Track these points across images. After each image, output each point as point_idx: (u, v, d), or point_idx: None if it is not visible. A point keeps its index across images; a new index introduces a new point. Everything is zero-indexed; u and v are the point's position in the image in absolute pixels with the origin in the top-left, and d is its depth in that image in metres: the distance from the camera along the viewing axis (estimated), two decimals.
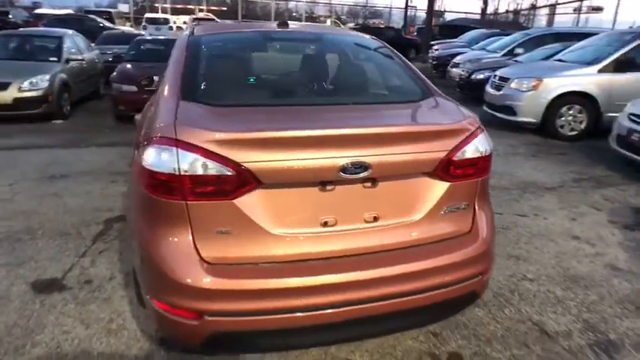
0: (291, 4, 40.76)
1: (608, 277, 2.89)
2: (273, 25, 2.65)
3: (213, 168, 1.48)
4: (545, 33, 10.95)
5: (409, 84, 2.15)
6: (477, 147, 1.75)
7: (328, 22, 33.61)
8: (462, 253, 1.72)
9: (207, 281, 1.50)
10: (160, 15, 24.27)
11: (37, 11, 19.91)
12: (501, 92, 6.98)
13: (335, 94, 2.21)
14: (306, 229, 1.61)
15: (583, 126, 6.44)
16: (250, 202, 1.53)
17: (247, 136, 1.50)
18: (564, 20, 35.11)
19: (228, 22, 17.15)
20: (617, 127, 5.16)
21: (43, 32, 8.85)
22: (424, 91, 2.09)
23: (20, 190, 4.08)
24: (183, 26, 24.32)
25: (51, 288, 2.61)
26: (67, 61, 7.38)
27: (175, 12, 30.36)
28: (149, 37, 9.31)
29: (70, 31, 8.32)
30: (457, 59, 11.17)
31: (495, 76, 7.42)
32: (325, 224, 1.62)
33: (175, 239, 1.55)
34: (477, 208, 1.85)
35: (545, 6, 34.88)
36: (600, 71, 6.21)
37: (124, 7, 25.93)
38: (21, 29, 9.98)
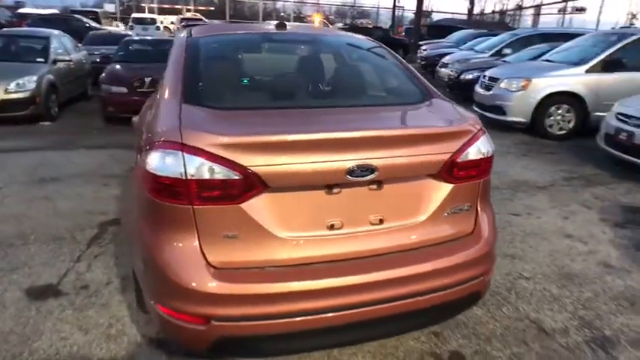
0: (279, 4, 40.67)
1: (602, 275, 2.95)
2: (270, 27, 2.65)
3: (220, 172, 1.47)
4: (532, 33, 11.11)
5: (409, 86, 2.16)
6: (480, 148, 1.77)
7: (316, 22, 33.60)
8: (465, 254, 1.74)
9: (214, 286, 1.49)
10: (146, 15, 24.00)
11: (21, 11, 19.51)
12: (491, 92, 7.06)
13: (337, 97, 2.22)
14: (312, 232, 1.61)
15: (571, 125, 6.56)
16: (257, 206, 1.52)
17: (255, 139, 1.49)
18: (548, 21, 35.68)
19: (219, 22, 17.06)
20: (605, 126, 5.26)
21: (29, 32, 8.69)
22: (424, 92, 2.11)
23: (10, 193, 4.01)
24: (171, 26, 24.09)
25: (46, 294, 2.57)
26: (55, 62, 7.27)
27: (162, 12, 30.06)
28: (138, 38, 9.22)
29: (57, 32, 8.18)
30: (446, 59, 11.26)
31: (485, 76, 7.51)
32: (332, 227, 1.63)
33: (181, 244, 1.53)
34: (479, 209, 1.87)
35: (531, 6, 35.40)
36: (588, 71, 6.33)
37: (110, 7, 25.56)
38: (5, 29, 9.78)
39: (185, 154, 1.46)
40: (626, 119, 4.93)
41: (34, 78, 6.57)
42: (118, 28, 19.15)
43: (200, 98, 1.79)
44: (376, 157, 1.56)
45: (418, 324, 1.92)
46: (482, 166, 1.80)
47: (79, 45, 9.28)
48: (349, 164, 1.53)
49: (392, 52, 2.44)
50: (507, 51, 10.22)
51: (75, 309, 2.43)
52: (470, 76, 9.19)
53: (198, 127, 1.54)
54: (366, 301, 1.59)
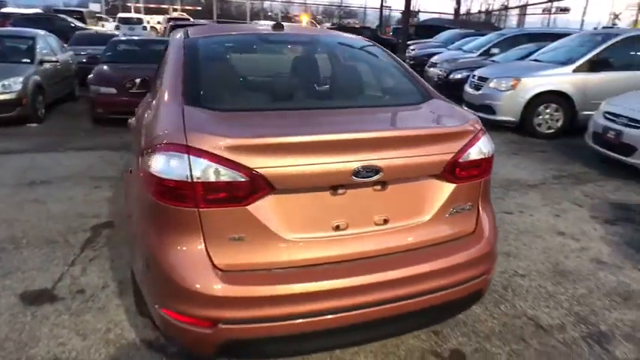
0: (266, 4, 40.55)
1: (595, 271, 3.00)
2: (266, 27, 2.64)
3: (226, 174, 1.46)
4: (519, 33, 11.26)
5: (409, 86, 2.18)
6: (481, 149, 1.79)
7: (304, 22, 33.55)
8: (468, 253, 1.75)
9: (221, 289, 1.48)
10: (133, 15, 23.69)
11: (3, 10, 19.11)
12: (480, 92, 7.14)
13: (339, 97, 2.22)
14: (318, 233, 1.61)
15: (559, 124, 6.66)
16: (263, 208, 1.52)
17: (261, 141, 1.49)
18: (533, 21, 36.25)
19: (209, 23, 16.91)
20: (593, 125, 5.36)
21: (13, 32, 8.51)
22: (423, 93, 2.13)
23: None
24: (158, 26, 23.80)
25: (41, 299, 2.52)
26: (41, 62, 7.14)
27: (148, 12, 29.70)
28: (126, 38, 9.11)
29: (42, 32, 8.03)
30: (434, 59, 11.35)
31: (474, 75, 7.59)
32: (337, 228, 1.63)
33: (187, 247, 1.52)
34: (480, 208, 1.89)
35: (517, 7, 35.89)
36: (575, 71, 6.44)
37: (95, 7, 25.16)
38: None
39: (191, 157, 1.45)
40: (614, 118, 5.04)
41: (20, 79, 6.44)
42: (104, 27, 18.87)
43: (202, 100, 1.78)
44: (381, 158, 1.57)
45: (423, 323, 1.94)
46: (483, 166, 1.82)
47: (65, 45, 9.14)
48: (355, 165, 1.54)
49: (390, 52, 2.45)
50: (495, 51, 10.35)
51: (71, 314, 2.40)
52: (459, 76, 9.28)
53: (203, 129, 1.53)
54: (372, 302, 1.59)
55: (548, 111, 6.61)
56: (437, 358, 2.15)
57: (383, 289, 1.60)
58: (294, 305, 1.53)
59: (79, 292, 2.59)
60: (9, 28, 11.16)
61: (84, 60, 9.30)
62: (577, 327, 2.42)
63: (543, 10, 33.39)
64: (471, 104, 7.28)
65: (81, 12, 18.00)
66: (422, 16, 36.08)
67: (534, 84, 6.51)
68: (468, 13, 36.01)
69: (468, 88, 7.61)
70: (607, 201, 4.27)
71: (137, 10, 29.41)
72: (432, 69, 10.85)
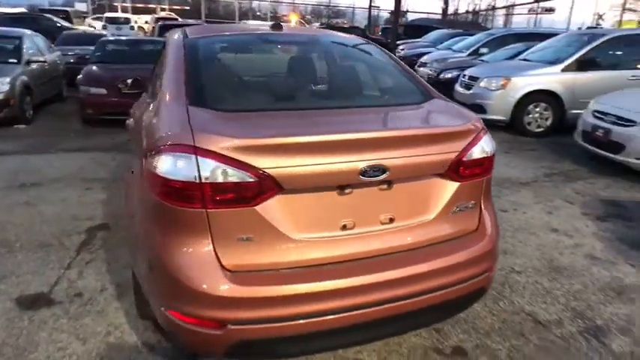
0: (254, 4, 40.39)
1: (589, 267, 3.06)
2: (260, 27, 2.64)
3: (235, 175, 1.45)
4: (507, 33, 11.40)
5: (410, 86, 2.19)
6: (483, 147, 1.82)
7: (293, 21, 33.48)
8: (472, 250, 1.78)
9: (230, 289, 1.47)
10: (120, 14, 23.39)
11: None
12: (471, 91, 7.21)
13: (342, 97, 2.22)
14: (325, 233, 1.61)
15: (549, 123, 6.76)
16: (271, 208, 1.52)
17: (269, 141, 1.48)
18: (519, 21, 36.77)
19: (198, 23, 16.76)
20: (582, 123, 5.45)
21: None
22: (424, 92, 2.14)
23: None
24: (145, 26, 23.53)
25: (38, 303, 2.48)
26: (28, 62, 7.02)
27: (135, 11, 29.35)
28: (115, 38, 9.00)
29: (29, 31, 7.90)
30: (424, 59, 11.43)
31: (465, 75, 7.67)
32: (344, 227, 1.64)
33: (195, 248, 1.51)
34: (482, 206, 1.92)
35: (504, 7, 36.34)
36: (564, 70, 6.55)
37: (81, 6, 24.78)
38: None
39: (199, 158, 1.44)
40: (602, 116, 5.13)
41: (7, 79, 6.32)
42: (92, 27, 18.60)
43: (206, 100, 1.77)
44: (387, 158, 1.58)
45: (431, 320, 1.96)
46: (486, 164, 1.85)
47: (52, 45, 8.99)
48: (362, 165, 1.55)
49: (389, 52, 2.46)
50: (484, 50, 10.47)
51: (70, 318, 2.36)
52: (449, 75, 9.37)
53: (210, 129, 1.52)
54: (380, 300, 1.60)
55: (537, 110, 6.71)
56: (439, 355, 2.17)
57: (390, 288, 1.61)
58: (302, 305, 1.53)
59: (76, 296, 2.56)
60: None
61: (72, 60, 9.18)
62: (574, 322, 2.46)
63: (529, 11, 33.88)
64: (462, 104, 7.32)
65: (67, 11, 17.72)
66: (410, 16, 36.30)
67: (524, 83, 6.60)
68: (456, 13, 36.35)
69: (458, 88, 7.68)
70: (597, 198, 4.35)
71: (124, 10, 29.04)
72: (422, 69, 10.93)
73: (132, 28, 19.56)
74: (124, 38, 9.04)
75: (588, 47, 6.56)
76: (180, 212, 1.49)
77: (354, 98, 2.18)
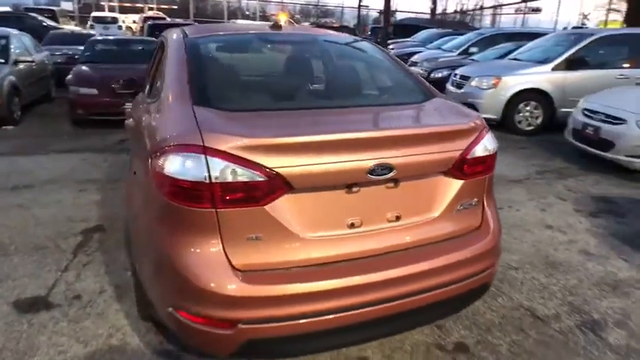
0: (243, 3, 40.21)
1: (583, 262, 3.11)
2: (265, 27, 2.64)
3: (245, 174, 1.45)
4: (496, 33, 11.53)
5: (412, 85, 2.21)
6: (486, 145, 1.85)
7: (282, 20, 33.36)
8: (476, 247, 1.80)
9: (240, 289, 1.47)
10: (107, 14, 23.07)
11: None
12: (462, 90, 7.28)
13: (346, 96, 2.23)
14: (334, 231, 1.62)
15: (539, 121, 6.86)
16: (280, 208, 1.52)
17: (279, 141, 1.49)
18: (505, 20, 37.21)
19: (190, 23, 16.62)
20: (572, 121, 5.54)
21: None
22: (425, 92, 2.17)
23: None
24: (133, 26, 23.25)
25: (36, 306, 2.45)
26: (16, 62, 6.90)
27: (123, 10, 29.00)
28: (105, 38, 8.89)
29: (16, 31, 7.76)
30: (414, 58, 11.49)
31: (456, 74, 7.74)
32: (352, 226, 1.65)
33: (204, 248, 1.51)
34: (485, 204, 1.95)
35: (493, 6, 36.74)
36: (554, 69, 6.64)
37: (67, 5, 24.36)
38: None
39: (208, 157, 1.44)
40: (592, 115, 5.22)
41: None
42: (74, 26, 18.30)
43: (210, 100, 1.76)
44: (394, 156, 1.60)
45: (436, 316, 1.98)
46: (488, 162, 1.87)
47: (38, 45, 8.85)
48: (370, 163, 1.56)
49: (389, 52, 2.48)
50: (474, 50, 10.58)
51: (70, 320, 2.34)
52: (440, 75, 9.44)
53: (219, 129, 1.52)
54: (389, 297, 1.62)
55: (528, 108, 6.80)
56: (442, 352, 2.19)
57: (398, 285, 1.62)
58: (311, 303, 1.53)
59: (75, 298, 2.53)
60: None
61: (60, 60, 9.04)
62: (571, 316, 2.51)
63: (516, 10, 34.30)
64: None
65: (53, 10, 17.43)
66: (398, 16, 36.46)
67: (515, 82, 6.68)
68: (444, 12, 36.62)
69: (450, 87, 7.74)
70: (589, 194, 4.43)
71: (111, 9, 28.67)
72: (412, 68, 10.98)
73: (120, 27, 19.29)
74: (114, 38, 8.93)
75: (577, 47, 6.67)
76: (189, 212, 1.49)
77: (358, 97, 2.19)
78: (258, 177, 1.46)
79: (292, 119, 1.77)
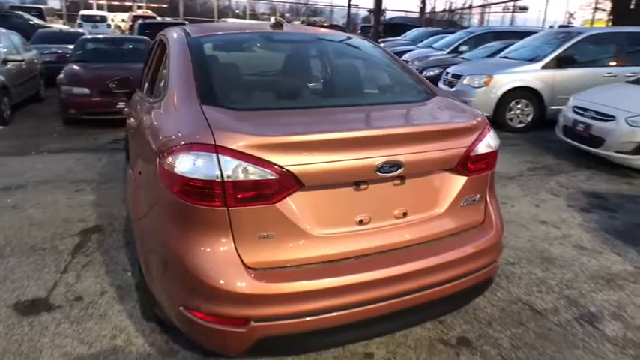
0: (232, 1, 39.98)
1: (578, 257, 3.18)
2: (264, 27, 2.64)
3: (256, 173, 1.47)
4: (486, 32, 11.64)
5: (414, 84, 2.24)
6: (489, 143, 1.88)
7: (272, 19, 33.21)
8: (480, 242, 1.84)
9: (253, 286, 1.49)
10: (96, 12, 22.74)
11: None
12: (454, 88, 7.35)
13: (351, 95, 2.25)
14: (343, 228, 1.64)
15: (530, 118, 6.96)
16: (291, 205, 1.54)
17: (291, 139, 1.50)
18: (493, 19, 37.59)
19: (173, 20, 16.49)
20: (563, 119, 5.63)
21: None
22: (428, 90, 2.20)
23: None
24: (122, 24, 23.00)
25: (37, 308, 2.43)
26: (5, 62, 6.80)
27: (111, 9, 28.64)
28: (96, 37, 8.79)
29: (4, 29, 7.65)
30: (405, 57, 11.54)
31: (447, 73, 7.81)
32: (360, 223, 1.67)
33: (216, 246, 1.52)
34: (487, 200, 1.98)
35: (482, 5, 37.05)
36: (543, 67, 6.74)
37: (54, 3, 23.98)
38: None
39: (220, 156, 1.45)
40: (582, 112, 5.32)
41: None
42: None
43: (218, 99, 1.77)
44: (402, 154, 1.62)
45: (443, 310, 2.02)
46: (490, 159, 1.91)
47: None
48: (378, 161, 1.58)
49: (390, 52, 2.51)
50: (464, 48, 10.68)
51: (72, 322, 2.32)
52: (431, 73, 9.49)
53: (229, 128, 1.53)
54: (398, 292, 1.65)
55: (519, 106, 6.89)
56: (445, 346, 2.23)
57: (407, 280, 1.65)
58: (322, 300, 1.55)
59: (76, 300, 2.51)
60: None
61: (48, 59, 8.92)
62: (569, 309, 2.56)
63: (504, 9, 34.67)
64: None
65: (40, 9, 17.15)
66: (387, 15, 36.56)
67: (506, 80, 6.77)
68: (433, 11, 36.83)
69: (441, 85, 7.80)
70: (580, 190, 4.51)
71: (99, 8, 28.27)
72: None
73: (109, 26, 19.06)
74: (105, 37, 8.84)
75: (566, 45, 6.78)
76: (201, 211, 1.49)
77: (363, 96, 2.22)
78: (270, 175, 1.48)
79: (301, 118, 1.79)
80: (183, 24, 11.36)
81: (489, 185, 1.99)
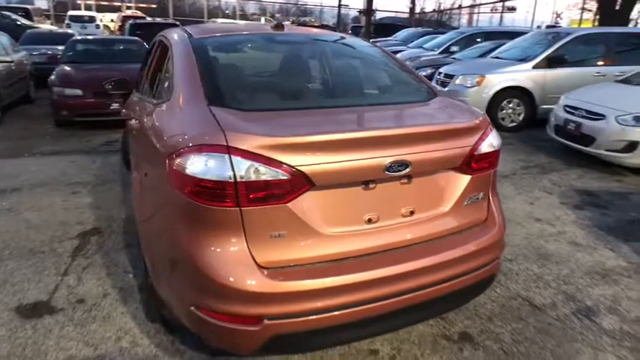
0: (222, 2, 39.80)
1: (573, 253, 3.24)
2: (262, 27, 2.66)
3: (268, 173, 1.48)
4: (476, 32, 11.77)
5: (416, 84, 2.28)
6: (492, 142, 1.92)
7: (262, 20, 33.23)
8: (484, 239, 1.88)
9: (265, 285, 1.50)
10: (84, 12, 22.46)
11: None
12: (447, 88, 7.41)
13: (356, 95, 2.27)
14: (353, 227, 1.67)
15: (521, 118, 7.06)
16: (302, 205, 1.56)
17: (302, 140, 1.52)
18: (481, 19, 37.95)
19: (164, 20, 16.38)
20: (554, 118, 5.73)
21: None
22: (429, 91, 2.24)
23: None
24: (111, 25, 22.76)
25: (39, 311, 2.42)
26: None
27: (100, 9, 28.33)
28: (87, 38, 8.70)
29: None
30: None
31: (440, 73, 7.88)
32: (369, 221, 1.70)
33: (229, 246, 1.53)
34: (490, 198, 2.02)
35: (471, 5, 37.37)
36: (534, 67, 6.85)
37: (41, 4, 23.62)
38: None
39: (232, 157, 1.46)
40: (573, 111, 5.41)
41: None
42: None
43: (225, 100, 1.78)
44: (410, 153, 1.65)
45: (449, 307, 2.06)
46: (493, 158, 1.95)
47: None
48: (387, 160, 1.61)
49: (390, 53, 2.54)
50: (455, 48, 10.79)
51: (76, 324, 2.31)
52: (423, 73, 9.56)
53: (241, 129, 1.54)
54: (408, 289, 1.68)
55: (510, 105, 6.99)
56: (448, 341, 2.27)
57: (415, 277, 1.68)
58: (334, 297, 1.57)
59: (79, 302, 2.50)
60: None
61: (37, 60, 8.82)
62: (567, 304, 2.62)
63: (492, 9, 35.03)
64: None
65: (27, 9, 16.89)
66: (377, 15, 36.67)
67: (498, 80, 6.86)
68: (422, 12, 37.08)
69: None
70: (573, 188, 4.60)
71: (87, 8, 27.93)
72: None
73: (97, 26, 18.85)
74: (97, 37, 8.76)
75: (556, 45, 6.89)
76: (213, 211, 1.51)
77: (368, 96, 2.25)
78: (282, 175, 1.50)
79: (309, 118, 1.81)
80: (175, 24, 11.30)
81: (492, 184, 2.03)
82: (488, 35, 10.89)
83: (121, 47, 7.63)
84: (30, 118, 7.15)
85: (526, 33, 8.99)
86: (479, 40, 10.53)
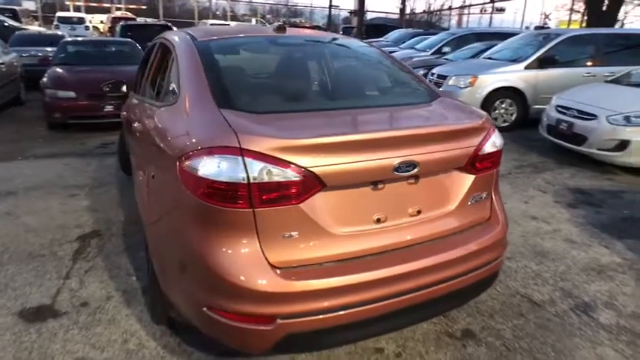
0: (212, 3, 39.66)
1: (569, 250, 3.31)
2: (268, 30, 2.68)
3: (281, 174, 1.51)
4: (468, 33, 11.89)
5: (418, 86, 2.31)
6: (495, 142, 1.97)
7: (253, 21, 33.19)
8: (487, 237, 1.93)
9: (278, 285, 1.53)
10: (73, 14, 22.22)
11: None
12: (440, 89, 7.47)
13: (362, 97, 2.30)
14: (362, 227, 1.70)
15: (513, 118, 7.16)
16: (314, 205, 1.59)
17: (314, 141, 1.55)
18: (471, 20, 38.33)
19: (155, 22, 16.27)
20: (546, 118, 5.82)
21: None
22: (431, 92, 2.28)
23: None
24: (100, 26, 22.55)
25: (43, 315, 2.41)
26: None
27: (89, 10, 28.05)
28: (78, 39, 8.63)
29: None
30: None
31: (433, 73, 7.95)
32: (378, 221, 1.73)
33: (242, 247, 1.55)
34: (493, 197, 2.07)
35: (461, 7, 37.68)
36: (526, 68, 6.95)
37: (28, 5, 23.30)
38: None
39: (246, 159, 1.48)
40: (565, 111, 5.51)
41: None
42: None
43: (234, 103, 1.80)
44: (418, 154, 1.69)
45: (455, 304, 2.10)
46: (496, 158, 2.00)
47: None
48: (396, 161, 1.65)
49: (391, 55, 2.58)
50: (446, 49, 10.89)
51: (81, 328, 2.31)
52: None
53: (253, 131, 1.56)
54: (416, 287, 1.71)
55: (503, 106, 7.09)
56: (451, 338, 2.31)
57: (423, 275, 1.72)
58: (345, 296, 1.60)
59: (82, 305, 2.50)
60: None
61: (28, 62, 8.72)
62: (565, 300, 2.68)
63: (481, 10, 35.39)
64: None
65: (14, 10, 16.67)
66: (367, 16, 36.80)
67: (491, 80, 6.95)
68: (412, 12, 37.31)
69: None
70: (566, 187, 4.68)
71: (76, 9, 27.65)
72: None
73: (87, 28, 18.65)
74: (89, 39, 8.70)
75: (547, 46, 7.00)
76: (226, 213, 1.52)
77: (374, 97, 2.28)
78: (294, 176, 1.52)
79: (318, 120, 1.83)
80: (167, 26, 11.21)
81: (494, 183, 2.07)
82: (479, 36, 11.00)
83: (114, 49, 7.58)
84: (21, 121, 7.07)
85: (516, 34, 9.10)
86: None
